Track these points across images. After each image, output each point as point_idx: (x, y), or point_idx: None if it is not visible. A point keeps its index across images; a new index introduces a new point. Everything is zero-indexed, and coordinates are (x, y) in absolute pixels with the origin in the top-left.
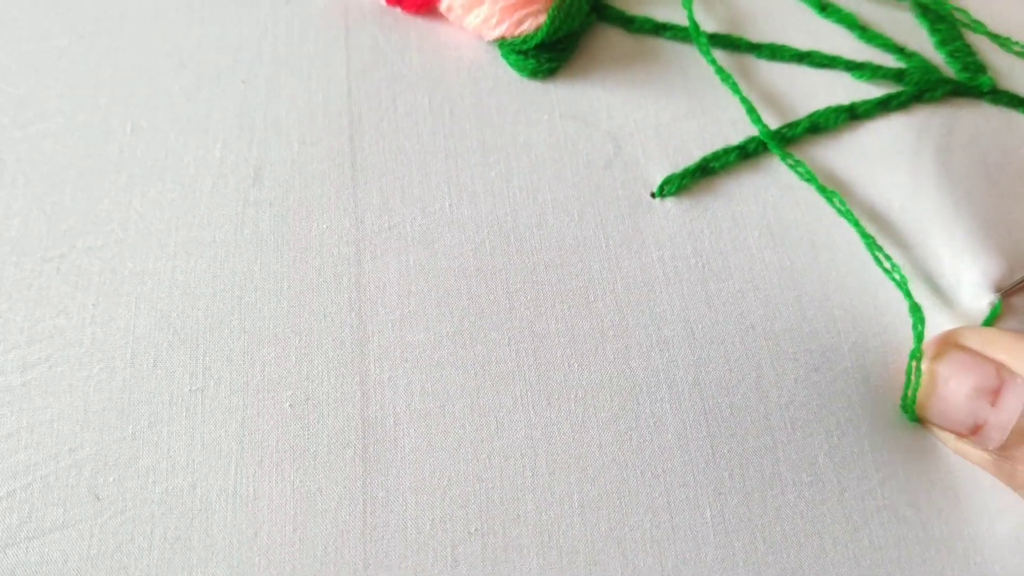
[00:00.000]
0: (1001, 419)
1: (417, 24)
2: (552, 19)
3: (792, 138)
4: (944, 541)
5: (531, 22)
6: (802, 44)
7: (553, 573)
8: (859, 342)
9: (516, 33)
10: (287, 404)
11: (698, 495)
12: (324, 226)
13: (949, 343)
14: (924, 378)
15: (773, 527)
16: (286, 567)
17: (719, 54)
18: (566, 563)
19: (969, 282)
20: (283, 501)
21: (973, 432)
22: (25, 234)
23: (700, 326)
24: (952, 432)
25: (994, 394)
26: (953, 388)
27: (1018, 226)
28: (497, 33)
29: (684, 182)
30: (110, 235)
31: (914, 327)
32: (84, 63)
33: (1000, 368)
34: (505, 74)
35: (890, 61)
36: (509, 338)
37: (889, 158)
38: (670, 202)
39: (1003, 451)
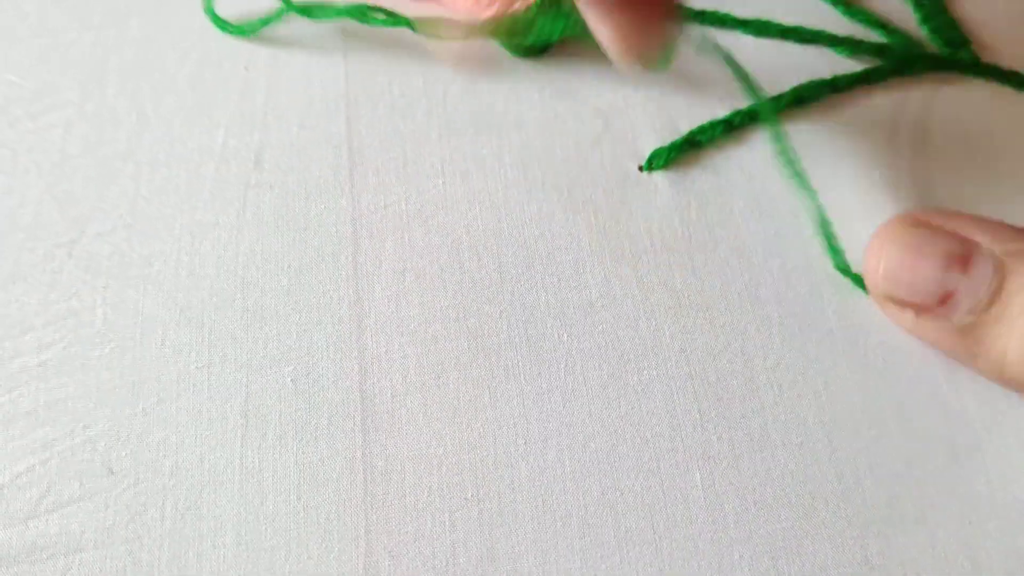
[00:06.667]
0: (973, 285)
1: (413, 7)
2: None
3: (777, 111)
4: (939, 500)
5: (522, 1)
6: (788, 21)
7: (547, 536)
8: (843, 305)
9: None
10: (289, 379)
11: (687, 459)
12: (322, 206)
13: (911, 220)
14: (891, 250)
15: (764, 489)
16: (291, 534)
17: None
18: (560, 526)
19: None
20: (287, 472)
21: (941, 303)
22: (38, 221)
23: (686, 295)
24: (916, 305)
25: (963, 261)
26: (923, 257)
27: (992, 197)
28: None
29: (672, 156)
30: (118, 220)
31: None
32: (92, 56)
33: (965, 239)
34: (497, 54)
35: (874, 37)
36: (501, 311)
37: (869, 130)
38: (658, 175)
39: (970, 316)
